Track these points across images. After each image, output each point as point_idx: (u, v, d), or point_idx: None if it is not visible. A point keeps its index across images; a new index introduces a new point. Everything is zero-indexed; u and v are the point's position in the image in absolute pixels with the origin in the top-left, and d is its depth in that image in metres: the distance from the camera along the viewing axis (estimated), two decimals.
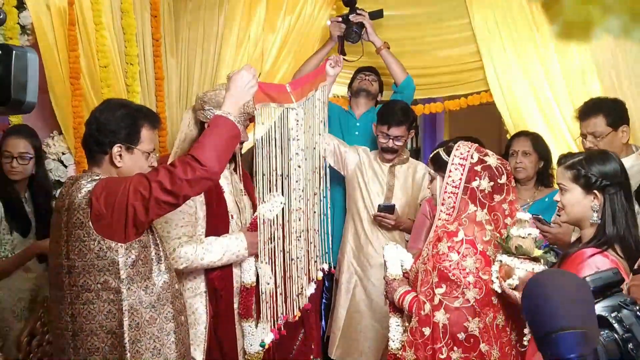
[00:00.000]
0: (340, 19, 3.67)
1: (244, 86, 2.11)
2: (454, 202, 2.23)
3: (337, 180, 3.55)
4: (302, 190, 2.58)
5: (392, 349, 2.35)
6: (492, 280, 2.11)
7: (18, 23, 2.89)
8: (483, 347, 2.13)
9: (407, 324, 2.28)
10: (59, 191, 2.79)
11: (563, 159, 2.07)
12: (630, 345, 1.22)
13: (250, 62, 3.65)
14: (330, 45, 3.71)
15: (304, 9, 3.90)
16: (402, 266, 2.41)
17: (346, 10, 3.70)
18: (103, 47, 3.20)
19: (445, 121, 6.26)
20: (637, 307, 1.26)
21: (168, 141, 3.57)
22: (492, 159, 2.24)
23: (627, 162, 2.43)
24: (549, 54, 3.55)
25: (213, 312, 2.50)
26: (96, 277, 1.92)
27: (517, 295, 2.03)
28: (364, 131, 3.66)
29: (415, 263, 2.35)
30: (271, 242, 2.47)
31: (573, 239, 2.25)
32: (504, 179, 2.23)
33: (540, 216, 2.53)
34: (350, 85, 3.80)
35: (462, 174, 2.22)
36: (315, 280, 2.72)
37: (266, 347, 2.53)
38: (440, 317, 2.14)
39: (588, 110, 2.82)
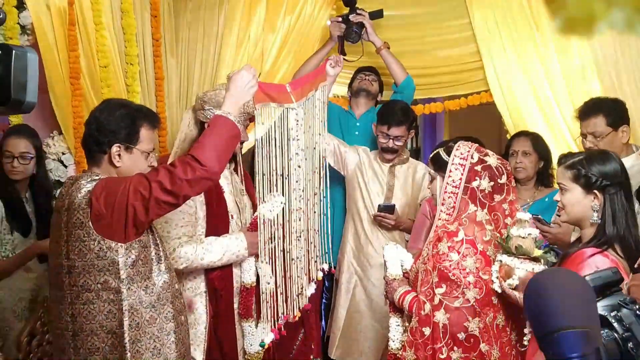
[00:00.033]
0: (340, 19, 3.67)
1: (244, 86, 2.11)
2: (454, 202, 2.23)
3: (337, 180, 3.55)
4: (302, 190, 2.58)
5: (392, 349, 2.35)
6: (492, 280, 2.11)
7: (18, 23, 2.89)
8: (483, 347, 2.13)
9: (407, 324, 2.28)
10: (58, 191, 2.79)
11: (563, 158, 2.07)
12: (630, 345, 1.22)
13: (250, 62, 3.65)
14: (330, 45, 3.71)
15: (304, 9, 3.90)
16: (402, 266, 2.41)
17: (346, 10, 3.70)
18: (103, 47, 3.20)
19: (445, 121, 6.26)
20: (637, 306, 1.26)
21: (168, 141, 3.57)
22: (492, 159, 2.24)
23: (627, 162, 2.43)
24: (549, 54, 3.55)
25: (213, 312, 2.50)
26: (96, 277, 1.92)
27: (517, 295, 2.03)
28: (364, 131, 3.66)
29: (415, 263, 2.35)
30: (271, 242, 2.47)
31: (573, 238, 2.25)
32: (504, 179, 2.23)
33: (539, 216, 2.53)
34: (350, 85, 3.80)
35: (462, 174, 2.22)
36: (315, 280, 2.71)
37: (266, 347, 2.53)
38: (441, 317, 2.14)
39: (588, 110, 2.82)
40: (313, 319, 2.94)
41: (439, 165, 2.29)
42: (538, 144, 3.17)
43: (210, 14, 3.75)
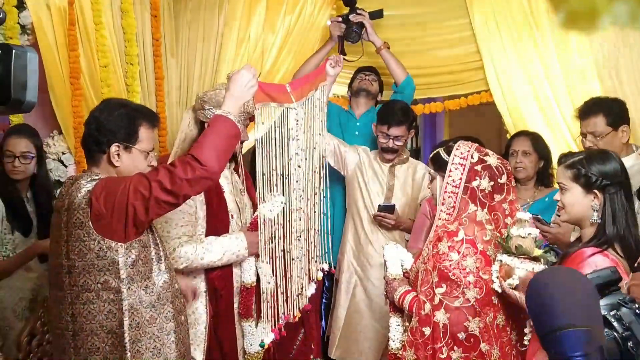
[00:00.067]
0: (340, 19, 3.67)
1: (244, 86, 2.11)
2: (454, 202, 2.23)
3: (337, 180, 3.55)
4: (302, 190, 2.58)
5: (392, 348, 2.35)
6: (493, 280, 2.11)
7: (18, 23, 2.90)
8: (483, 346, 2.13)
9: (407, 324, 2.28)
10: (58, 191, 2.79)
11: (563, 158, 2.07)
12: (630, 344, 1.21)
13: (250, 62, 3.65)
14: (330, 45, 3.71)
15: (304, 9, 3.90)
16: (402, 266, 2.41)
17: (346, 10, 3.70)
18: (103, 47, 3.21)
19: (445, 121, 6.25)
20: (636, 305, 1.26)
21: (168, 141, 3.57)
22: (493, 159, 2.24)
23: (627, 161, 2.43)
24: (549, 54, 3.55)
25: (213, 311, 2.50)
26: (96, 277, 1.92)
27: (518, 294, 2.03)
28: (364, 131, 3.66)
29: (415, 263, 2.35)
30: (272, 242, 2.47)
31: (572, 238, 2.25)
32: (504, 179, 2.23)
33: (539, 216, 2.53)
34: (350, 85, 3.80)
35: (462, 174, 2.22)
36: (315, 280, 2.71)
37: (266, 347, 2.53)
38: (441, 316, 2.14)
39: (588, 110, 2.82)
40: (313, 319, 2.94)
41: (439, 165, 2.29)
42: (538, 143, 3.17)
43: (210, 14, 3.75)
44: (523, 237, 2.04)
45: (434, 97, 4.06)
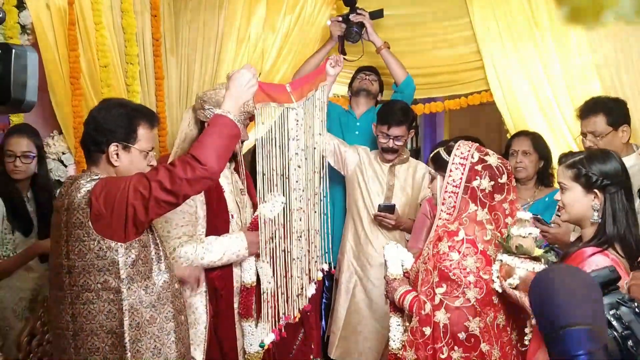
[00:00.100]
0: (340, 19, 3.67)
1: (244, 85, 2.10)
2: (455, 202, 2.23)
3: (337, 180, 3.55)
4: (303, 191, 2.58)
5: (392, 348, 2.35)
6: (493, 280, 2.11)
7: (18, 22, 2.90)
8: (484, 346, 2.13)
9: (407, 324, 2.27)
10: (58, 191, 2.79)
11: (564, 158, 2.07)
12: (629, 343, 1.21)
13: (250, 62, 3.65)
14: (331, 45, 3.71)
15: (304, 9, 3.90)
16: (402, 266, 2.41)
17: (346, 9, 3.70)
18: (103, 47, 3.20)
19: (445, 121, 6.26)
20: (635, 304, 1.26)
21: (168, 141, 3.57)
22: (493, 159, 2.24)
23: (628, 161, 2.42)
24: (549, 53, 3.55)
25: (213, 311, 2.50)
26: (96, 277, 1.91)
27: (518, 294, 2.03)
28: (364, 131, 3.66)
29: (415, 263, 2.35)
30: (272, 242, 2.47)
31: (572, 238, 2.25)
32: (504, 179, 2.22)
33: (539, 216, 2.52)
34: (350, 85, 3.80)
35: (462, 174, 2.22)
36: (315, 281, 2.71)
37: (266, 347, 2.53)
38: (441, 316, 2.14)
39: (588, 109, 2.81)
40: (313, 319, 2.94)
41: (439, 165, 2.29)
42: (538, 143, 3.17)
43: (211, 13, 3.75)
44: (523, 237, 2.04)
45: (434, 97, 4.05)
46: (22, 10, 2.91)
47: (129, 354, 1.92)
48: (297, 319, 2.61)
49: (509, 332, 2.21)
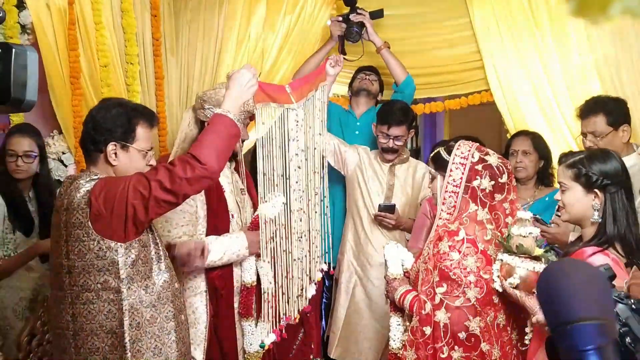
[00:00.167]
0: (340, 19, 3.67)
1: (244, 85, 2.10)
2: (455, 202, 2.23)
3: (337, 180, 3.55)
4: (303, 191, 2.58)
5: (392, 348, 2.35)
6: (493, 279, 2.11)
7: (18, 22, 2.90)
8: (484, 346, 2.13)
9: (407, 324, 2.27)
10: (58, 190, 2.79)
11: (564, 157, 2.07)
12: (627, 340, 1.21)
13: (250, 62, 3.65)
14: (331, 45, 3.71)
15: (304, 9, 3.90)
16: (402, 265, 2.41)
17: (346, 9, 3.70)
18: (103, 47, 3.20)
19: (445, 121, 6.26)
20: (632, 301, 1.26)
21: (168, 141, 3.57)
22: (493, 158, 2.24)
23: (628, 161, 2.42)
24: (549, 53, 3.55)
25: (213, 311, 2.50)
26: (96, 277, 1.91)
27: (518, 294, 2.03)
28: (364, 130, 3.66)
29: (416, 262, 2.35)
30: (272, 241, 2.46)
31: (573, 238, 2.25)
32: (504, 178, 2.22)
33: (538, 216, 2.52)
34: (350, 85, 3.80)
35: (463, 173, 2.22)
36: (315, 281, 2.71)
37: (266, 347, 2.53)
38: (441, 316, 2.14)
39: (588, 109, 2.81)
40: (313, 319, 2.94)
41: (440, 165, 2.29)
42: (538, 143, 3.17)
43: (210, 13, 3.75)
44: (524, 237, 2.04)
45: (434, 97, 4.05)
46: (22, 10, 2.91)
47: (129, 354, 1.92)
48: (297, 320, 2.61)
49: (509, 332, 2.20)
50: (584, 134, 2.82)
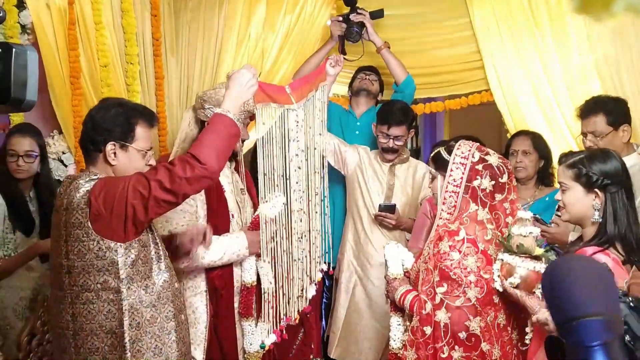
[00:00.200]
0: (340, 18, 3.67)
1: (244, 85, 2.10)
2: (455, 201, 2.23)
3: (337, 179, 3.55)
4: (303, 192, 2.58)
5: (393, 348, 2.35)
6: (494, 279, 2.11)
7: (18, 22, 2.90)
8: (484, 346, 2.13)
9: (408, 323, 2.27)
10: (57, 190, 2.79)
11: (564, 157, 2.07)
12: (627, 337, 1.21)
13: (250, 62, 3.65)
14: (331, 45, 3.71)
15: (304, 9, 3.90)
16: (403, 265, 2.41)
17: (347, 9, 3.70)
18: (103, 47, 3.20)
19: (445, 121, 6.26)
20: (630, 299, 1.26)
21: (168, 141, 3.57)
22: (494, 158, 2.24)
23: (628, 161, 2.42)
24: (549, 53, 3.55)
25: (213, 311, 2.50)
26: (96, 277, 1.91)
27: (519, 293, 2.03)
28: (364, 130, 3.66)
29: (416, 262, 2.35)
30: (273, 241, 2.46)
31: (572, 238, 2.25)
32: (505, 178, 2.22)
33: (538, 216, 2.52)
34: (350, 85, 3.80)
35: (463, 173, 2.21)
36: (315, 282, 2.71)
37: (266, 348, 2.53)
38: (442, 316, 2.14)
39: (589, 109, 2.81)
40: (313, 319, 2.94)
41: (440, 164, 2.29)
42: (538, 143, 3.16)
43: (211, 13, 3.75)
44: (524, 236, 2.04)
45: (434, 97, 4.06)
46: (22, 10, 2.91)
47: (128, 354, 1.92)
48: (297, 321, 2.61)
49: (509, 332, 2.20)
50: (584, 134, 2.82)
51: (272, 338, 2.50)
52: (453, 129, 6.04)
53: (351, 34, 3.62)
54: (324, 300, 3.73)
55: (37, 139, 2.90)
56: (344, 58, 3.13)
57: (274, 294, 2.50)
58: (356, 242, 3.44)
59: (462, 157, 2.23)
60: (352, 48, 3.71)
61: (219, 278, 2.50)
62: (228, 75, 2.20)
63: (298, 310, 2.61)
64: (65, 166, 3.17)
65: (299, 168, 2.55)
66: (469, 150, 2.24)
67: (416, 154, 6.11)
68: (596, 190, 1.95)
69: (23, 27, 2.93)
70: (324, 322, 3.70)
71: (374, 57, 3.77)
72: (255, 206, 2.67)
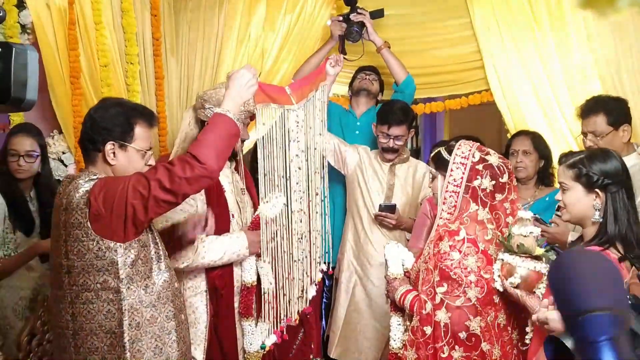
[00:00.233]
0: (340, 18, 3.67)
1: (244, 84, 2.09)
2: (456, 201, 2.23)
3: (337, 179, 3.55)
4: (303, 192, 2.58)
5: (393, 348, 2.35)
6: (494, 279, 2.11)
7: (18, 22, 2.90)
8: (484, 346, 2.13)
9: (408, 323, 2.27)
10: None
11: (564, 157, 2.07)
12: None
13: (250, 62, 3.65)
14: (331, 45, 3.71)
15: (305, 8, 3.90)
16: (403, 265, 2.41)
17: (347, 9, 3.70)
18: (103, 47, 3.20)
19: (445, 121, 6.26)
20: (629, 296, 1.25)
21: (168, 141, 3.57)
22: (494, 158, 2.24)
23: (629, 161, 2.42)
24: (549, 53, 3.55)
25: (213, 311, 2.50)
26: (95, 277, 1.91)
27: (519, 293, 2.03)
28: (364, 130, 3.66)
29: (416, 262, 2.35)
30: (273, 241, 2.46)
31: (572, 238, 2.25)
32: (505, 178, 2.22)
33: (537, 216, 2.52)
34: (350, 85, 3.80)
35: (463, 173, 2.21)
36: (316, 282, 2.71)
37: (267, 349, 2.53)
38: (442, 316, 2.14)
39: (589, 109, 2.81)
40: (313, 319, 2.94)
41: (440, 164, 2.29)
42: (538, 143, 3.16)
43: (211, 13, 3.75)
44: (524, 236, 2.04)
45: (434, 97, 4.06)
46: (22, 10, 2.91)
47: (128, 354, 1.92)
48: (297, 322, 2.61)
49: (509, 332, 2.20)
50: (584, 134, 2.82)
51: (272, 339, 2.50)
52: (453, 129, 6.04)
53: (351, 34, 3.61)
54: (324, 300, 3.73)
55: (38, 139, 2.91)
56: (344, 58, 3.13)
57: (274, 295, 2.49)
58: (356, 242, 3.44)
59: (462, 157, 2.23)
60: (352, 48, 3.71)
61: (219, 278, 2.49)
62: (228, 75, 2.20)
63: (298, 311, 2.60)
64: (66, 166, 3.18)
65: (299, 169, 2.55)
66: (470, 150, 2.24)
67: (416, 154, 6.11)
68: (597, 190, 1.94)
69: (23, 26, 2.93)
70: (324, 322, 3.70)
71: (374, 57, 3.77)
72: (255, 206, 2.67)
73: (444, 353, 2.12)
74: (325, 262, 2.81)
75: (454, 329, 2.13)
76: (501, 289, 2.10)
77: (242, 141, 2.64)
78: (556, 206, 2.15)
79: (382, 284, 2.58)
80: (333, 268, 3.43)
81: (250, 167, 3.03)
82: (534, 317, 1.90)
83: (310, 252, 2.65)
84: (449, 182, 2.23)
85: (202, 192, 2.43)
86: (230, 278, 2.53)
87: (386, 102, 3.57)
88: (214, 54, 3.76)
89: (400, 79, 3.65)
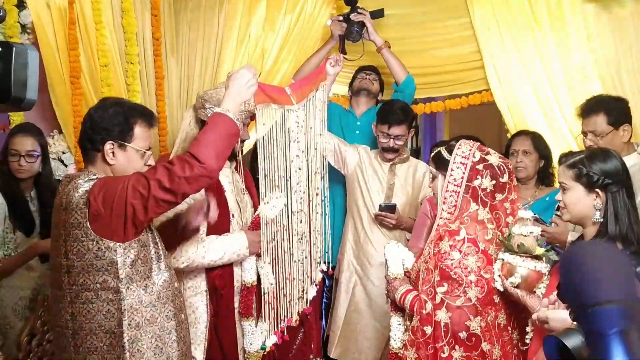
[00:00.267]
0: (341, 18, 3.67)
1: (244, 84, 2.09)
2: (456, 201, 2.23)
3: (337, 179, 3.55)
4: (304, 192, 2.58)
5: (393, 348, 2.35)
6: (494, 279, 2.11)
7: (18, 22, 2.90)
8: (485, 346, 2.13)
9: (408, 323, 2.27)
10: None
11: (564, 157, 2.07)
12: None
13: (250, 62, 3.65)
14: (331, 45, 3.71)
15: (305, 8, 3.90)
16: (403, 265, 2.41)
17: (347, 9, 3.70)
18: (103, 46, 3.20)
19: (445, 121, 6.26)
20: None
21: (168, 140, 3.57)
22: (494, 158, 2.24)
23: (629, 160, 2.42)
24: (549, 53, 3.55)
25: (213, 311, 2.50)
26: (95, 277, 1.91)
27: (520, 293, 2.03)
28: (364, 130, 3.66)
29: (416, 262, 2.35)
30: (273, 240, 2.46)
31: (572, 238, 2.25)
32: (505, 178, 2.22)
33: (537, 216, 2.52)
34: (351, 85, 3.80)
35: (463, 173, 2.21)
36: (316, 282, 2.71)
37: (267, 349, 2.52)
38: (442, 315, 2.14)
39: (589, 109, 2.80)
40: (313, 319, 2.94)
41: (441, 164, 2.29)
42: (538, 143, 3.16)
43: (211, 13, 3.75)
44: (525, 236, 2.04)
45: (434, 97, 4.06)
46: (23, 10, 2.91)
47: (127, 354, 1.91)
48: (297, 322, 2.61)
49: (510, 332, 2.20)
50: (584, 133, 2.82)
51: (273, 339, 2.50)
52: (453, 129, 6.04)
53: (351, 34, 3.61)
54: (324, 300, 3.73)
55: (39, 139, 2.91)
56: (344, 58, 3.13)
57: (275, 295, 2.49)
58: (356, 241, 3.44)
59: (462, 157, 2.23)
60: (352, 48, 3.71)
61: (219, 278, 2.49)
62: (228, 75, 2.20)
63: (298, 311, 2.60)
64: (66, 166, 3.18)
65: (300, 169, 2.55)
66: (470, 150, 2.24)
67: (416, 154, 6.11)
68: (597, 190, 1.94)
69: (23, 26, 2.93)
70: (324, 322, 3.70)
71: (374, 57, 3.77)
72: (255, 206, 2.67)
73: (444, 353, 2.12)
74: (325, 262, 2.81)
75: (454, 329, 2.13)
76: (501, 289, 2.10)
77: (242, 141, 2.64)
78: (556, 206, 2.15)
79: (382, 283, 2.58)
80: (333, 268, 3.43)
81: (250, 167, 3.03)
82: (534, 316, 1.90)
83: (310, 252, 2.65)
84: (449, 182, 2.23)
85: (202, 192, 2.42)
86: (230, 278, 2.53)
87: (386, 102, 3.57)
88: (214, 54, 3.76)
89: (401, 79, 3.65)
